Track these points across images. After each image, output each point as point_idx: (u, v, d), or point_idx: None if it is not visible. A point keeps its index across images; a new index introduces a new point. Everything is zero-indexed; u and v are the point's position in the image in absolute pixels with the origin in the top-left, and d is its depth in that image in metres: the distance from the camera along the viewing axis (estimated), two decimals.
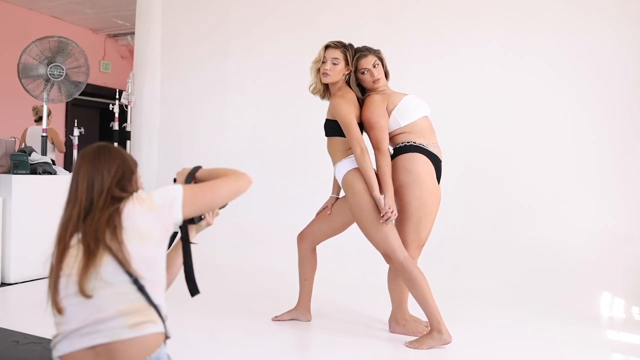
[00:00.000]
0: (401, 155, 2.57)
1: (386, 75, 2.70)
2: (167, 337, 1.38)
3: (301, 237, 2.86)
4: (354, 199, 2.54)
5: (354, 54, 2.63)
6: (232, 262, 4.13)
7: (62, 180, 3.66)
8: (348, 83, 2.67)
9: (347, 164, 2.57)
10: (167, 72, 5.05)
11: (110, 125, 5.28)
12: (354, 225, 2.69)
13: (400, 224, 2.57)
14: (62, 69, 4.15)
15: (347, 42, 2.67)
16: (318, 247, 2.85)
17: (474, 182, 3.78)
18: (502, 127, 3.74)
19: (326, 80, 2.64)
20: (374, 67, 2.61)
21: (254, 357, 2.36)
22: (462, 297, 3.30)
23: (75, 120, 5.47)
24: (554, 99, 3.64)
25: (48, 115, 5.58)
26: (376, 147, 2.54)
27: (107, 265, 1.30)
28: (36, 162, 3.89)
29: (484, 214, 3.73)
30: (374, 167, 2.54)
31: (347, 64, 2.62)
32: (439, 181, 2.62)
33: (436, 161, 2.60)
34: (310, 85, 2.74)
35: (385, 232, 2.49)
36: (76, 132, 5.25)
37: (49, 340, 1.41)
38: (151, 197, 1.41)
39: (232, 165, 1.67)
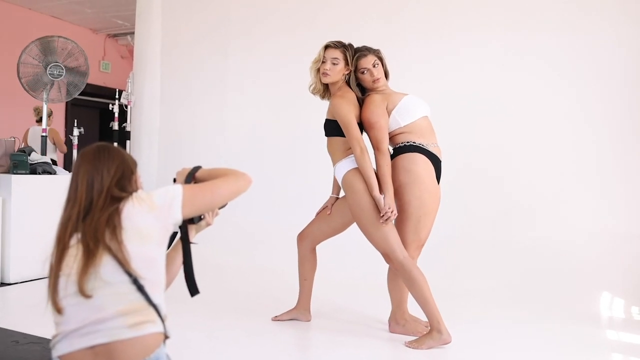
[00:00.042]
0: (401, 155, 2.56)
1: (386, 75, 2.69)
2: (166, 337, 1.38)
3: (301, 237, 2.86)
4: (354, 198, 2.54)
5: (354, 54, 2.63)
6: (232, 262, 4.13)
7: (62, 180, 3.66)
8: (348, 83, 2.67)
9: (346, 164, 2.57)
10: (167, 72, 5.05)
11: (110, 125, 5.28)
12: (354, 225, 2.69)
13: (400, 224, 2.57)
14: (62, 69, 4.15)
15: (346, 42, 2.67)
16: (318, 247, 2.85)
17: (473, 182, 3.77)
18: (502, 127, 3.74)
19: (326, 80, 2.64)
20: (374, 66, 2.61)
21: (254, 357, 2.36)
22: (462, 297, 3.30)
23: (75, 120, 5.48)
24: (554, 99, 3.64)
25: (49, 116, 5.60)
26: (376, 147, 2.54)
27: (106, 265, 1.30)
28: (36, 162, 3.88)
29: (484, 214, 3.73)
30: (374, 167, 2.54)
31: (346, 63, 2.62)
32: (438, 181, 2.62)
33: (436, 161, 2.60)
34: (310, 85, 2.74)
35: (385, 232, 2.49)
36: (76, 132, 5.26)
37: (48, 340, 1.41)
38: (151, 197, 1.41)
39: (232, 165, 1.67)
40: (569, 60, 3.62)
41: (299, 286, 2.87)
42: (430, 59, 3.97)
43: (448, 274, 3.51)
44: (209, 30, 4.86)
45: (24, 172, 3.73)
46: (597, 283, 3.34)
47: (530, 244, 3.56)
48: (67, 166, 6.22)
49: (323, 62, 2.62)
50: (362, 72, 2.62)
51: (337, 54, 2.60)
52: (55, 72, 4.14)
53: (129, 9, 6.01)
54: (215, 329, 2.71)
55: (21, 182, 3.67)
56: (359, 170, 2.51)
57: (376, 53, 2.65)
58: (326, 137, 2.68)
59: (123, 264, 1.30)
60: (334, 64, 2.60)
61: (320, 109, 2.76)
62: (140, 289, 1.32)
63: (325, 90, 2.73)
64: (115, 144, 2.03)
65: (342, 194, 2.74)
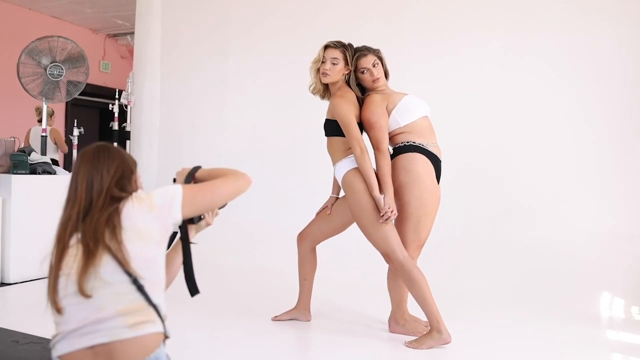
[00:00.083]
0: (401, 155, 2.56)
1: (386, 74, 2.69)
2: (166, 337, 1.38)
3: (301, 237, 2.86)
4: (354, 198, 2.54)
5: (354, 54, 2.63)
6: (232, 262, 4.13)
7: (62, 180, 3.66)
8: (348, 83, 2.67)
9: (346, 164, 2.57)
10: (167, 72, 5.05)
11: (110, 125, 5.28)
12: (354, 225, 2.69)
13: (399, 224, 2.57)
14: (62, 69, 4.15)
15: (346, 42, 2.67)
16: (318, 247, 2.85)
17: (473, 182, 3.77)
18: (502, 127, 3.74)
19: (326, 80, 2.64)
20: (374, 66, 2.61)
21: (254, 357, 2.36)
22: (462, 297, 3.30)
23: (75, 120, 5.48)
24: (554, 99, 3.64)
25: (51, 115, 5.61)
26: (376, 147, 2.54)
27: (106, 265, 1.30)
28: (36, 162, 3.89)
29: (484, 214, 3.73)
30: (374, 167, 2.54)
31: (346, 63, 2.62)
32: (438, 181, 2.62)
33: (436, 161, 2.60)
34: (310, 86, 2.74)
35: (385, 232, 2.49)
36: (76, 132, 5.26)
37: (48, 340, 1.41)
38: (150, 197, 1.41)
39: (232, 165, 1.67)
40: (569, 60, 3.61)
41: (299, 286, 2.87)
42: (430, 59, 3.97)
43: (448, 274, 3.51)
44: (209, 30, 4.86)
45: (23, 172, 3.73)
46: (597, 283, 3.34)
47: (530, 244, 3.56)
48: (67, 166, 6.22)
49: (323, 62, 2.62)
50: (362, 72, 2.62)
51: (336, 53, 2.60)
52: (55, 72, 4.14)
53: (129, 9, 6.01)
54: (215, 329, 2.71)
55: (21, 182, 3.67)
56: (358, 170, 2.51)
57: (376, 53, 2.65)
58: (326, 137, 2.68)
59: (123, 263, 1.30)
60: (333, 64, 2.60)
61: (320, 109, 2.76)
62: (140, 289, 1.32)
63: (325, 90, 2.72)
64: (115, 144, 2.03)
65: (342, 193, 2.74)
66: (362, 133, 2.57)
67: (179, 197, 1.42)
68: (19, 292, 3.46)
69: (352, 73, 2.64)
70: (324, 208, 2.87)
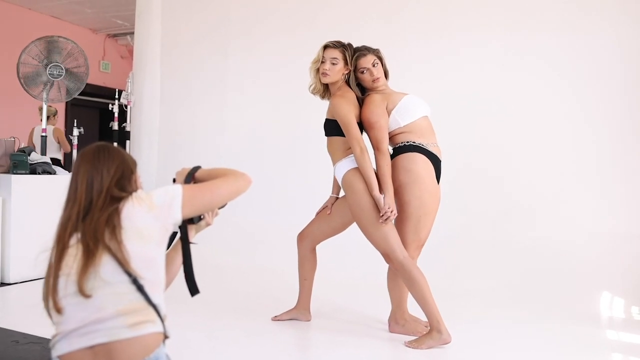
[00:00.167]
0: (401, 155, 2.56)
1: (385, 74, 2.69)
2: (166, 337, 1.38)
3: (301, 237, 2.86)
4: (354, 198, 2.54)
5: (353, 54, 2.63)
6: (232, 262, 4.13)
7: (62, 180, 3.66)
8: (348, 83, 2.67)
9: (346, 164, 2.57)
10: (166, 72, 5.04)
11: (110, 125, 5.28)
12: (354, 225, 2.69)
13: (399, 224, 2.57)
14: (62, 69, 4.15)
15: (346, 41, 2.67)
16: (318, 247, 2.85)
17: (473, 182, 3.77)
18: (502, 127, 3.74)
19: (325, 80, 2.64)
20: (373, 66, 2.61)
21: (254, 357, 2.36)
22: (462, 297, 3.30)
23: (75, 120, 5.47)
24: (554, 99, 3.64)
25: (54, 115, 5.62)
26: (376, 147, 2.54)
27: (106, 264, 1.30)
28: (36, 162, 3.89)
29: (484, 214, 3.73)
30: (374, 166, 2.54)
31: (346, 63, 2.62)
32: (438, 181, 2.62)
33: (436, 161, 2.60)
34: (310, 86, 2.74)
35: (385, 232, 2.49)
36: (76, 132, 5.26)
37: (48, 340, 1.41)
38: (150, 197, 1.41)
39: (232, 165, 1.67)
40: (569, 60, 3.61)
41: (299, 286, 2.87)
42: (430, 59, 3.97)
43: (448, 274, 3.51)
44: (209, 30, 4.86)
45: (23, 172, 3.73)
46: (597, 283, 3.34)
47: (530, 244, 3.56)
48: (67, 166, 6.22)
49: (322, 62, 2.62)
50: (362, 72, 2.62)
51: (336, 53, 2.60)
52: (55, 72, 4.14)
53: (129, 9, 6.01)
54: (215, 329, 2.71)
55: (21, 182, 3.68)
56: (358, 170, 2.51)
57: (375, 52, 2.65)
58: (326, 137, 2.68)
59: (123, 263, 1.30)
60: (333, 63, 2.60)
61: (320, 109, 2.76)
62: (140, 288, 1.32)
63: (325, 90, 2.72)
64: (115, 144, 2.03)
65: (342, 193, 2.74)
66: (362, 133, 2.57)
67: (179, 197, 1.42)
68: (19, 292, 3.46)
69: (351, 73, 2.64)
70: (324, 208, 2.87)
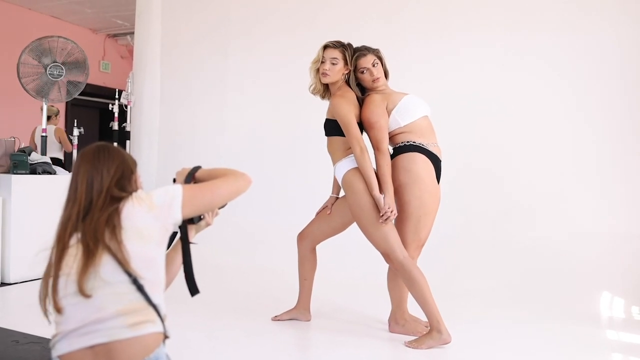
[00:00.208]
0: (401, 155, 2.56)
1: (385, 74, 2.69)
2: (166, 337, 1.38)
3: (301, 237, 2.86)
4: (354, 198, 2.54)
5: (353, 54, 2.63)
6: (232, 262, 4.13)
7: (62, 180, 3.66)
8: (348, 83, 2.67)
9: (346, 164, 2.57)
10: (166, 72, 5.04)
11: (110, 125, 5.28)
12: (354, 225, 2.69)
13: (399, 224, 2.57)
14: (62, 69, 4.15)
15: (346, 41, 2.67)
16: (318, 247, 2.85)
17: (473, 182, 3.77)
18: (502, 127, 3.74)
19: (325, 80, 2.64)
20: (373, 66, 2.61)
21: (254, 357, 2.36)
22: (462, 297, 3.30)
23: (75, 120, 5.47)
24: (554, 99, 3.64)
25: (56, 115, 5.62)
26: (376, 147, 2.54)
27: (106, 264, 1.30)
28: (36, 162, 3.89)
29: (484, 214, 3.73)
30: (374, 166, 2.54)
31: (346, 63, 2.62)
32: (438, 181, 2.62)
33: (436, 161, 2.60)
34: (310, 86, 2.74)
35: (385, 232, 2.49)
36: (76, 132, 5.26)
37: (48, 340, 1.41)
38: (150, 197, 1.41)
39: (232, 165, 1.67)
40: (569, 60, 3.61)
41: (299, 286, 2.87)
42: (430, 59, 3.97)
43: (448, 274, 3.51)
44: (209, 30, 4.86)
45: (23, 172, 3.73)
46: (597, 283, 3.34)
47: (530, 244, 3.56)
48: (68, 166, 6.22)
49: (322, 62, 2.62)
50: (362, 72, 2.62)
51: (336, 53, 2.60)
52: (55, 72, 4.14)
53: (129, 9, 6.01)
54: (215, 329, 2.71)
55: (21, 182, 3.68)
56: (358, 170, 2.51)
57: (375, 52, 2.65)
58: (326, 137, 2.68)
59: (123, 263, 1.30)
60: (333, 63, 2.60)
61: (320, 109, 2.76)
62: (140, 288, 1.32)
63: (325, 90, 2.73)
64: (115, 144, 2.03)
65: (342, 193, 2.74)
66: (362, 133, 2.57)
67: (179, 197, 1.42)
68: (19, 292, 3.46)
69: (351, 73, 2.64)
70: (324, 208, 2.87)
